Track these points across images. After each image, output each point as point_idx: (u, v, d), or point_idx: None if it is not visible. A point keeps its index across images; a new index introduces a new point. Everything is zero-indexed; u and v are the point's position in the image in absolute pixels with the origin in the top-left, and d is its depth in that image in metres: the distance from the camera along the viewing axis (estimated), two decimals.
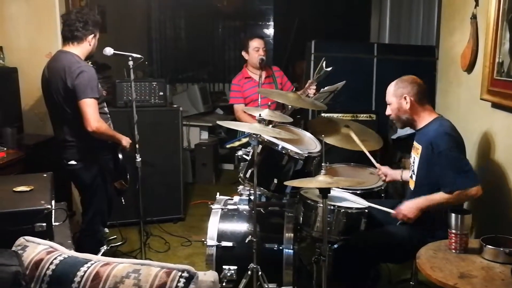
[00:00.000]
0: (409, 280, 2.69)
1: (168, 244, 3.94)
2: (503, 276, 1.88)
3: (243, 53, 4.07)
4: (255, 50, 3.96)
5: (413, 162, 2.64)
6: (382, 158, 3.70)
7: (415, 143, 2.64)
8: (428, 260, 2.04)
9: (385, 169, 2.96)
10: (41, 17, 3.79)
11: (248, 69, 4.11)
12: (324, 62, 3.34)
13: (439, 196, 2.40)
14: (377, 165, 2.98)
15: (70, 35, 2.87)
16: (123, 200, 3.22)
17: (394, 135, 4.32)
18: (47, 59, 2.99)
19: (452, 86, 3.56)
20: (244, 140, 3.50)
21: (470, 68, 3.12)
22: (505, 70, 2.59)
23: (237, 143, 3.61)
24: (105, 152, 3.00)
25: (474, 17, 3.03)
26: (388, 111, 2.65)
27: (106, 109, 3.04)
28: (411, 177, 2.68)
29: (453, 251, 2.10)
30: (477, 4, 3.00)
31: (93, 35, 2.93)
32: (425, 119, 2.57)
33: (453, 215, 2.09)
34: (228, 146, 3.76)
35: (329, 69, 3.32)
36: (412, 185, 2.64)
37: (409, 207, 2.47)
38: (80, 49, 2.90)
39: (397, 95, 2.57)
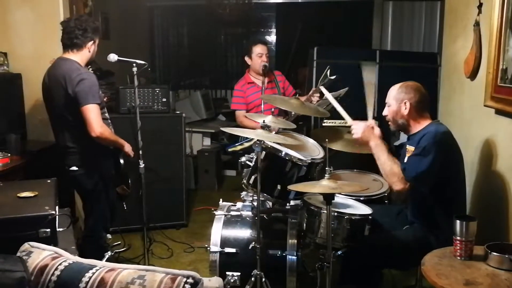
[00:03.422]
0: (413, 286, 2.68)
1: (171, 251, 3.94)
2: (509, 284, 1.86)
3: (246, 59, 4.07)
4: (258, 56, 3.97)
5: None
6: None
7: (408, 147, 2.65)
8: (433, 267, 2.04)
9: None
10: (45, 23, 3.81)
11: (250, 75, 4.12)
12: (329, 71, 3.34)
13: (389, 161, 2.56)
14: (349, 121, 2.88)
15: (69, 43, 2.88)
16: (125, 206, 3.21)
17: (396, 142, 4.32)
18: None
19: (455, 93, 3.56)
20: (246, 144, 3.50)
21: (473, 75, 3.13)
22: (509, 77, 2.59)
23: (239, 147, 3.61)
24: (107, 157, 3.00)
25: (477, 24, 3.03)
26: (385, 112, 2.68)
27: (107, 114, 3.04)
28: None
29: (458, 257, 2.09)
30: (480, 12, 3.01)
31: (92, 41, 2.93)
32: (420, 124, 2.59)
33: (458, 221, 2.09)
34: (230, 149, 3.77)
35: (333, 77, 3.33)
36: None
37: (366, 133, 2.65)
38: (80, 56, 2.90)
39: (398, 99, 2.59)
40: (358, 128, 2.69)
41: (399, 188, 2.50)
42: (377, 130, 2.73)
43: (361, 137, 2.67)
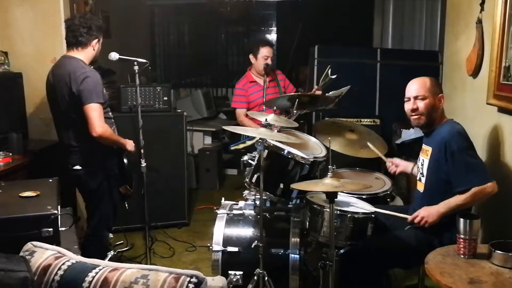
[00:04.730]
0: (415, 286, 2.67)
1: (173, 250, 3.93)
2: None
3: (251, 56, 4.06)
4: (264, 58, 3.96)
5: (422, 165, 2.63)
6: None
7: (424, 146, 2.64)
8: (436, 265, 2.03)
9: (396, 160, 2.97)
10: (46, 22, 3.80)
11: (252, 73, 4.11)
12: (330, 70, 3.35)
13: (457, 199, 2.39)
14: (386, 159, 2.99)
15: (74, 41, 2.87)
16: (126, 205, 3.21)
17: (398, 140, 4.32)
18: (52, 64, 2.99)
19: (457, 91, 3.55)
20: (249, 142, 3.49)
21: (475, 73, 3.12)
22: (511, 75, 2.58)
23: (241, 146, 3.60)
24: (110, 157, 2.99)
25: (479, 21, 3.02)
26: (418, 105, 2.53)
27: (110, 113, 3.03)
28: (419, 180, 2.66)
29: (462, 256, 2.09)
30: (482, 9, 2.99)
31: (97, 39, 2.93)
32: (440, 121, 2.59)
33: (461, 220, 2.08)
34: (232, 148, 3.75)
35: (334, 76, 3.34)
36: (421, 188, 2.63)
37: (429, 212, 2.43)
38: (85, 54, 2.89)
39: (435, 93, 2.55)
40: (424, 218, 2.44)
41: (491, 191, 2.36)
42: (431, 208, 2.47)
43: (432, 221, 2.42)
